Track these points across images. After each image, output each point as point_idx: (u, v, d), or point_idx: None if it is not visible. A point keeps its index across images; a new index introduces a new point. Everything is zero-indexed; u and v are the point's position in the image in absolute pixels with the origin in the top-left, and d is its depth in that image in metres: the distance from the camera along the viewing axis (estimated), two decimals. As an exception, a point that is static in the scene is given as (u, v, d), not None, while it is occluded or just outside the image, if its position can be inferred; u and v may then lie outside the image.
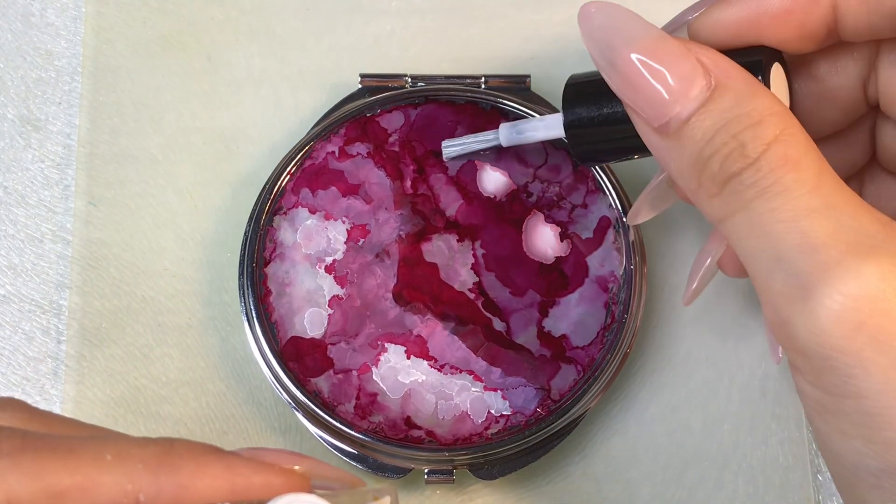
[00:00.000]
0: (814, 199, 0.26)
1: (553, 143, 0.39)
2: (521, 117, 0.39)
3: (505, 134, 0.36)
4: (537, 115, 0.37)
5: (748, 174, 0.26)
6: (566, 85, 0.33)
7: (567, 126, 0.33)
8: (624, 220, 0.37)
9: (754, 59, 0.29)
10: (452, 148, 0.38)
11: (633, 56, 0.28)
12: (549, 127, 0.35)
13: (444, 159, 0.38)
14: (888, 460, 0.25)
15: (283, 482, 0.25)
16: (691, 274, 0.34)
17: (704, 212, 0.28)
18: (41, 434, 0.24)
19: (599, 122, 0.32)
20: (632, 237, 0.37)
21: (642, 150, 0.30)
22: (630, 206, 0.38)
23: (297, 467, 0.25)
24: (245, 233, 0.38)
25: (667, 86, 0.28)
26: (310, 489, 0.25)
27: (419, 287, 0.37)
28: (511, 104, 0.39)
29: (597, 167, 0.38)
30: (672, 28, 0.33)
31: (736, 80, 0.28)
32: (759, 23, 0.30)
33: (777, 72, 0.30)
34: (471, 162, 0.38)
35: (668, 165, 0.29)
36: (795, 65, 0.32)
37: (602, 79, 0.30)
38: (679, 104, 0.28)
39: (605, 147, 0.33)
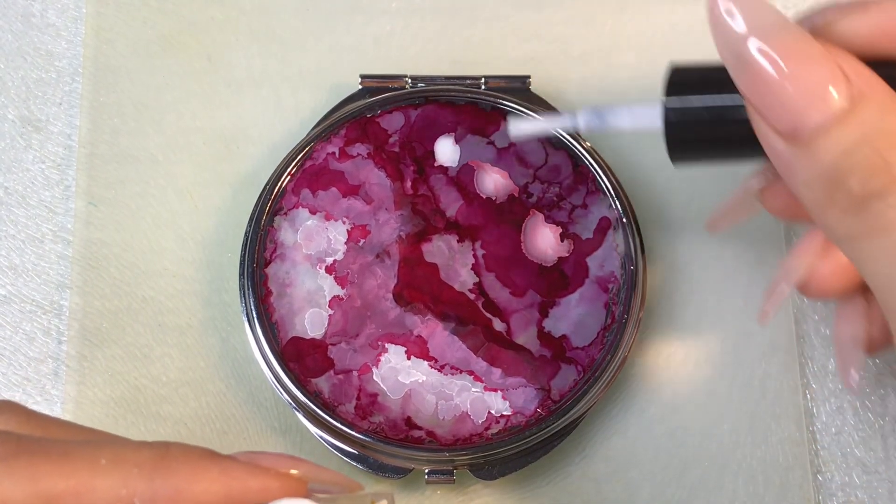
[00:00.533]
0: None
1: (553, 144, 0.39)
2: (522, 117, 0.39)
3: (585, 119, 0.32)
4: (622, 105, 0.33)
5: (895, 197, 0.24)
6: (671, 71, 0.30)
7: (668, 115, 0.29)
8: (624, 220, 0.37)
9: (888, 72, 0.27)
10: (521, 125, 0.34)
11: (769, 54, 0.26)
12: (639, 115, 0.31)
13: (511, 137, 0.36)
14: None
15: (280, 486, 0.25)
16: (768, 294, 0.32)
17: (828, 227, 0.26)
18: (36, 438, 0.24)
19: (707, 116, 0.29)
20: (632, 238, 0.37)
21: (753, 153, 0.28)
22: (630, 206, 0.38)
23: (294, 471, 0.25)
24: (245, 233, 0.38)
25: (803, 91, 0.26)
26: (307, 493, 0.25)
27: (419, 287, 0.37)
28: (511, 104, 0.39)
29: (597, 167, 0.38)
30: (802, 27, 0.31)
31: (879, 93, 0.26)
32: (894, 37, 0.27)
33: None
34: (471, 162, 0.38)
35: (790, 173, 0.27)
36: None
37: (716, 71, 0.28)
38: (817, 112, 0.25)
39: (708, 146, 0.30)
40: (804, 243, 0.32)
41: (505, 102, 0.39)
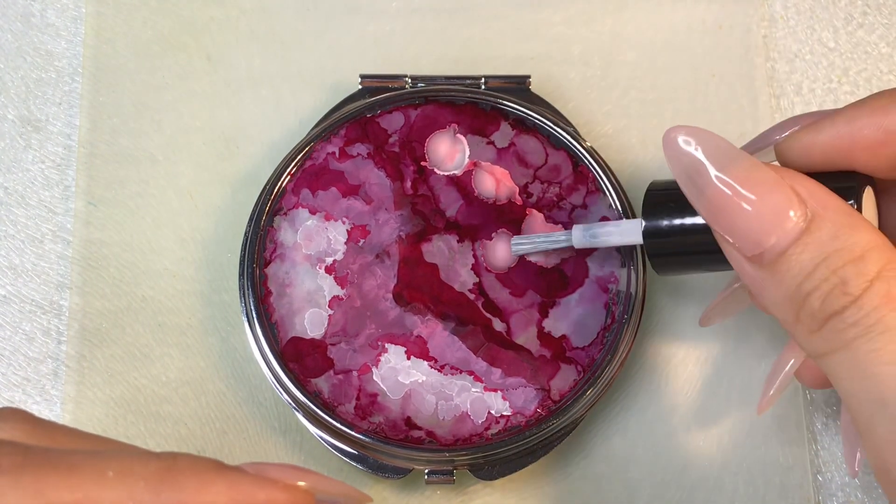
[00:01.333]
0: None
1: (553, 143, 0.39)
2: (522, 118, 0.39)
3: (578, 237, 0.35)
4: (611, 220, 0.36)
5: (850, 313, 0.25)
6: (647, 191, 0.32)
7: (646, 235, 0.32)
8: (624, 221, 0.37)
9: (847, 184, 0.28)
10: (521, 246, 0.37)
11: (724, 183, 0.27)
12: (624, 233, 0.34)
13: (512, 255, 0.37)
14: None
15: (287, 498, 0.24)
16: (768, 382, 0.34)
17: (801, 345, 0.27)
18: (43, 449, 0.24)
19: (681, 234, 0.31)
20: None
21: (726, 265, 0.29)
22: (630, 206, 0.38)
23: (301, 483, 0.25)
24: (245, 233, 0.38)
25: (761, 216, 0.27)
26: None
27: (419, 287, 0.37)
28: (511, 104, 0.39)
29: (597, 167, 0.38)
30: (756, 147, 0.32)
31: (833, 212, 0.27)
32: (851, 151, 0.28)
33: (868, 195, 0.29)
34: (471, 163, 0.38)
35: (760, 294, 0.28)
36: (884, 185, 0.31)
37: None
38: (774, 235, 0.27)
39: (685, 260, 0.32)
40: (781, 355, 0.33)
41: (505, 102, 0.39)
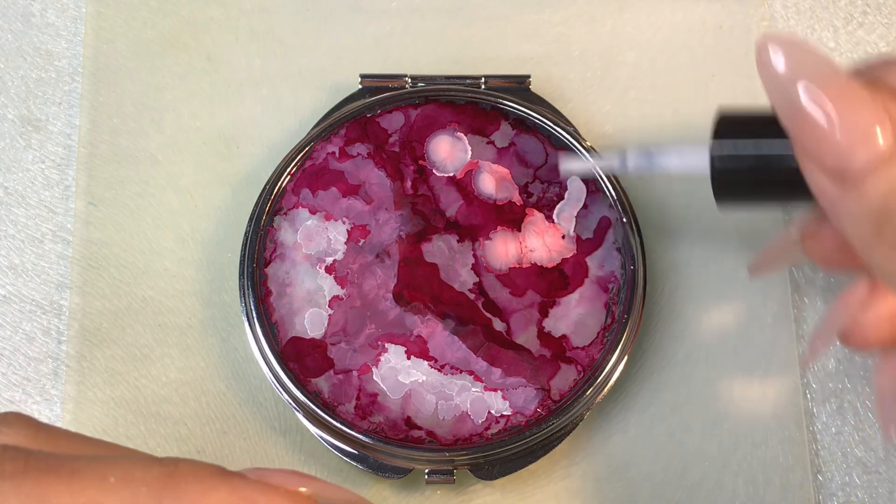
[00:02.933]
0: None
1: (553, 143, 0.39)
2: (522, 117, 0.39)
3: (634, 160, 0.33)
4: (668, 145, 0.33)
5: None
6: (719, 116, 0.30)
7: (715, 160, 0.30)
8: (624, 220, 0.37)
9: None
10: (572, 164, 0.36)
11: (818, 96, 0.26)
12: (688, 158, 0.31)
13: (561, 174, 0.37)
14: None
15: None
16: (812, 342, 0.33)
17: (877, 264, 0.27)
18: (45, 454, 0.24)
19: (755, 160, 0.29)
20: (632, 238, 0.37)
21: (800, 196, 0.28)
22: (630, 206, 0.38)
23: (303, 489, 0.25)
24: (245, 233, 0.38)
25: (851, 131, 0.26)
26: None
27: (419, 287, 0.37)
28: (511, 104, 0.39)
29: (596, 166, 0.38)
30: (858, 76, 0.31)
31: None
32: None
33: None
34: (471, 162, 0.38)
35: (838, 214, 0.27)
36: None
37: (762, 117, 0.28)
38: (864, 152, 0.26)
39: (755, 189, 0.30)
40: (848, 293, 0.32)
41: (505, 102, 0.39)
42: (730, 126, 0.30)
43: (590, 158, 0.35)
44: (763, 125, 0.28)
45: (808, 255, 0.33)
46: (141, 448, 0.37)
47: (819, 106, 0.26)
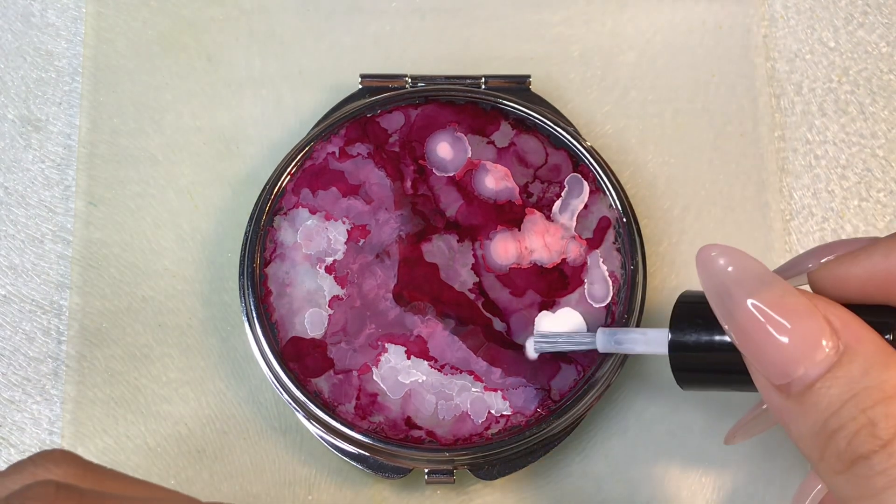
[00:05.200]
0: None
1: (553, 143, 0.39)
2: (522, 117, 0.39)
3: (602, 341, 0.34)
4: (637, 329, 0.36)
5: (879, 459, 0.24)
6: (677, 303, 0.31)
7: (672, 347, 0.31)
8: (625, 220, 0.37)
9: (883, 319, 0.27)
10: (542, 345, 0.36)
11: (755, 308, 0.26)
12: (650, 342, 0.33)
13: (535, 352, 0.36)
14: None
15: None
16: (795, 500, 0.33)
17: (826, 484, 0.26)
18: (97, 493, 0.24)
19: (709, 351, 0.30)
20: (632, 238, 0.37)
21: (753, 387, 0.28)
22: (630, 206, 0.38)
23: None
24: (245, 233, 0.38)
25: (791, 345, 0.26)
26: None
27: (419, 287, 0.37)
28: (511, 104, 0.39)
29: (597, 167, 0.38)
30: (789, 274, 0.31)
31: (866, 345, 0.25)
32: (888, 285, 0.27)
33: None
34: (471, 162, 0.38)
35: (787, 425, 0.27)
36: None
37: None
38: (803, 366, 0.25)
39: (712, 378, 0.31)
40: (808, 480, 0.32)
41: (505, 102, 0.39)
42: (687, 313, 0.30)
43: (560, 338, 0.36)
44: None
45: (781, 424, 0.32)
46: (140, 448, 0.37)
47: (758, 316, 0.26)
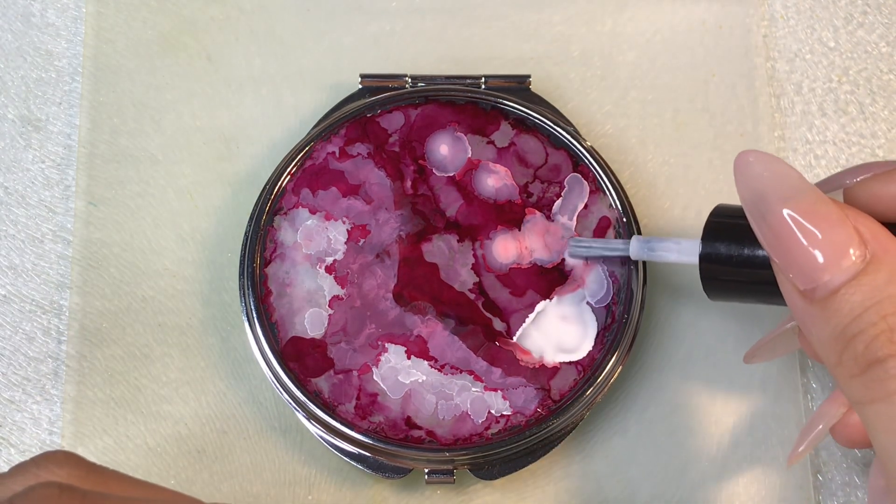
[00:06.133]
0: None
1: (553, 143, 0.39)
2: (522, 117, 0.39)
3: (636, 249, 0.35)
4: (672, 239, 0.35)
5: (894, 363, 0.25)
6: (711, 215, 0.32)
7: (703, 258, 0.32)
8: (625, 220, 0.37)
9: None
10: (579, 249, 0.37)
11: (788, 213, 0.27)
12: (683, 252, 0.34)
13: (569, 255, 0.37)
14: None
15: None
16: (801, 436, 0.33)
17: (841, 388, 0.27)
18: (100, 495, 0.24)
19: (738, 263, 0.31)
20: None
21: (778, 299, 0.29)
22: (630, 206, 0.38)
23: None
24: (245, 233, 0.38)
25: (819, 251, 0.26)
26: None
27: (419, 287, 0.37)
28: (511, 104, 0.39)
29: (597, 167, 0.38)
30: (828, 189, 0.31)
31: (893, 256, 0.26)
32: None
33: None
34: (471, 162, 0.38)
35: (808, 330, 0.27)
36: None
37: (747, 221, 0.29)
38: (829, 272, 0.26)
39: (738, 288, 0.32)
40: (836, 393, 0.32)
41: (505, 102, 0.39)
42: (720, 225, 0.31)
43: (596, 244, 0.37)
44: (751, 230, 0.29)
45: (803, 348, 0.33)
46: (140, 448, 0.37)
47: (791, 223, 0.27)
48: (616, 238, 0.37)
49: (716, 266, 0.31)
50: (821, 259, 0.26)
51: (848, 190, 0.30)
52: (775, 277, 0.28)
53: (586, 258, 0.37)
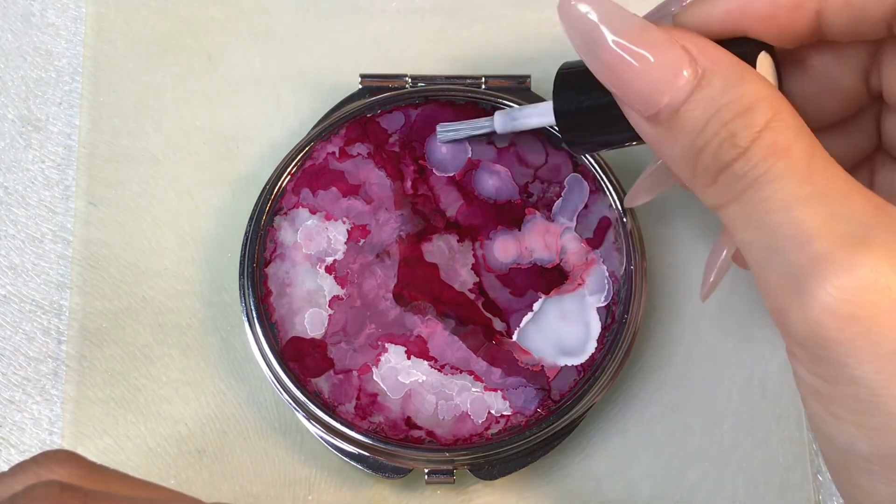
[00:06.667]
0: (805, 186, 0.26)
1: (553, 144, 0.39)
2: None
3: (500, 121, 0.37)
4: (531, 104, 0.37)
5: (740, 164, 0.26)
6: (558, 72, 0.33)
7: (557, 112, 0.33)
8: (625, 220, 0.37)
9: (740, 49, 0.29)
10: (447, 133, 0.38)
11: (617, 44, 0.28)
12: (542, 114, 0.35)
13: (439, 142, 0.38)
14: (878, 444, 0.25)
15: None
16: (707, 268, 0.34)
17: (702, 200, 0.28)
18: (102, 494, 0.24)
19: (589, 109, 0.32)
20: (632, 238, 0.37)
21: (633, 137, 0.30)
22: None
23: None
24: (245, 233, 0.38)
25: (653, 75, 0.27)
26: None
27: (419, 287, 0.37)
28: (511, 104, 0.39)
29: (597, 167, 0.38)
30: (654, 18, 0.32)
31: (723, 65, 0.27)
32: (742, 21, 0.29)
33: (765, 60, 0.30)
34: (471, 162, 0.38)
35: (661, 154, 0.29)
36: (789, 54, 0.31)
37: None
38: (667, 94, 0.27)
39: (595, 134, 0.33)
40: (715, 247, 0.33)
41: (505, 102, 0.39)
42: (567, 77, 0.33)
43: (462, 126, 0.38)
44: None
45: (676, 181, 0.34)
46: (140, 448, 0.37)
47: (621, 52, 0.28)
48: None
49: (570, 118, 0.32)
50: (656, 83, 0.27)
51: (676, 16, 0.31)
52: (625, 120, 0.29)
53: (455, 141, 0.38)
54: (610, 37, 0.28)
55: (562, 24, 0.29)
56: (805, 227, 0.25)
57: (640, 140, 0.30)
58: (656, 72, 0.27)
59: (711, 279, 0.33)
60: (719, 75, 0.27)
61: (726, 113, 0.27)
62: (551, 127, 0.36)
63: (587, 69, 0.30)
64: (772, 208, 0.26)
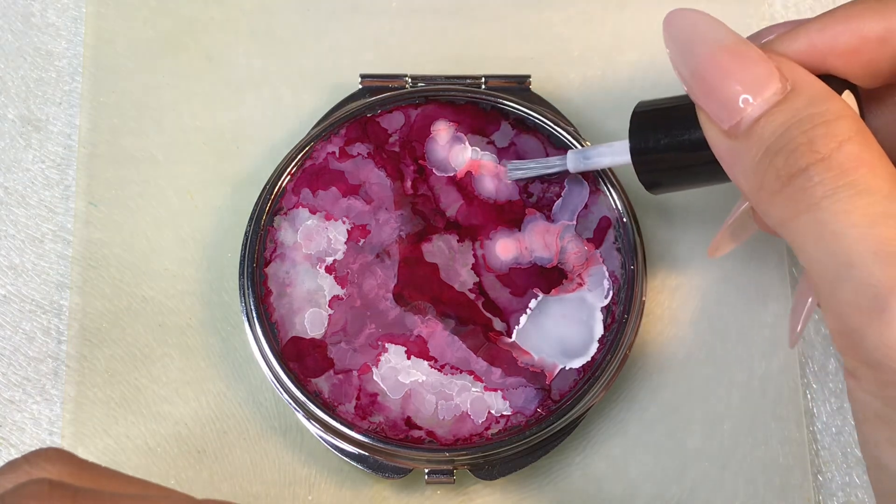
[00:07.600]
0: (892, 204, 0.25)
1: (553, 144, 0.39)
2: (522, 117, 0.39)
3: (573, 161, 0.36)
4: (605, 143, 0.37)
5: (817, 170, 0.25)
6: (634, 111, 0.33)
7: (633, 151, 0.33)
8: (625, 220, 0.37)
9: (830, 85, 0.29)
10: (517, 172, 0.38)
11: (711, 54, 0.28)
12: (616, 153, 0.35)
13: (508, 180, 0.38)
14: None
15: None
16: (792, 316, 0.33)
17: (767, 216, 0.27)
18: (91, 491, 0.24)
19: (666, 147, 0.32)
20: (632, 238, 0.37)
21: (710, 176, 0.31)
22: (630, 206, 0.38)
23: None
24: (245, 233, 0.38)
25: (742, 83, 0.27)
26: None
27: (419, 287, 0.37)
28: (511, 104, 0.39)
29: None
30: None
31: (812, 86, 0.27)
32: (826, 56, 0.29)
33: (849, 97, 0.29)
34: (471, 162, 0.38)
35: (733, 170, 0.28)
36: (872, 93, 0.31)
37: (670, 105, 0.31)
38: (752, 105, 0.27)
39: (673, 173, 0.33)
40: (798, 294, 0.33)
41: (505, 102, 0.39)
42: (644, 117, 0.33)
43: (532, 164, 0.37)
44: (674, 112, 0.31)
45: (759, 226, 0.34)
46: (140, 448, 0.37)
47: (715, 62, 0.28)
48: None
49: (647, 157, 0.33)
50: (743, 91, 0.27)
51: (765, 47, 0.31)
52: (705, 156, 0.30)
53: (525, 180, 0.38)
54: (705, 47, 0.28)
55: (663, 33, 0.30)
56: (891, 244, 0.24)
57: (716, 180, 0.30)
58: (747, 80, 0.27)
59: (799, 328, 0.33)
60: (806, 93, 0.27)
61: (807, 122, 0.26)
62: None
63: (664, 107, 0.30)
64: (854, 222, 0.25)
